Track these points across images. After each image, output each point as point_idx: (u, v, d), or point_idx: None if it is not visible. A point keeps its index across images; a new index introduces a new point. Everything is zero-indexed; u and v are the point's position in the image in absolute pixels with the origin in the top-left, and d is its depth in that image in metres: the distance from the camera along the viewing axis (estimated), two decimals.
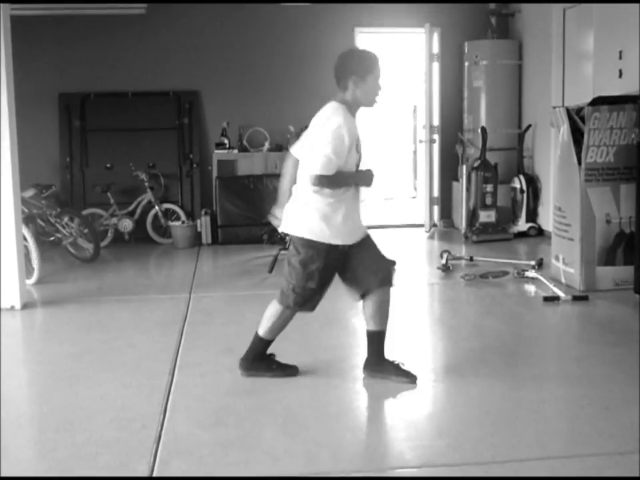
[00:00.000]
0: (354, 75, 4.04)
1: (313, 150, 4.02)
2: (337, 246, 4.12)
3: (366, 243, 4.26)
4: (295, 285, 4.18)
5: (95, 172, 9.44)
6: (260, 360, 4.43)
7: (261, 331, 4.38)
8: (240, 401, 4.02)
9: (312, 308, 4.35)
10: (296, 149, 4.30)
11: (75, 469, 3.27)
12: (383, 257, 4.31)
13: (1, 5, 5.85)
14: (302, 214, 4.14)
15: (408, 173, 13.80)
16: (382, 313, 4.31)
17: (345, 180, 4.05)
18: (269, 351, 4.47)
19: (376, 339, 4.37)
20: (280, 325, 4.35)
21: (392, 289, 4.31)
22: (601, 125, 6.17)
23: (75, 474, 3.22)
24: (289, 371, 4.44)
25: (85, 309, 6.17)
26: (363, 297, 4.31)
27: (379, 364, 4.37)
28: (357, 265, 4.22)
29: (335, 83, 4.15)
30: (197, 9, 9.45)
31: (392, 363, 4.39)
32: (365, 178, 4.17)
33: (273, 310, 4.34)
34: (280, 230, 4.33)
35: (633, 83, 6.71)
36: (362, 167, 4.23)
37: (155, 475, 3.20)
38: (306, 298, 4.23)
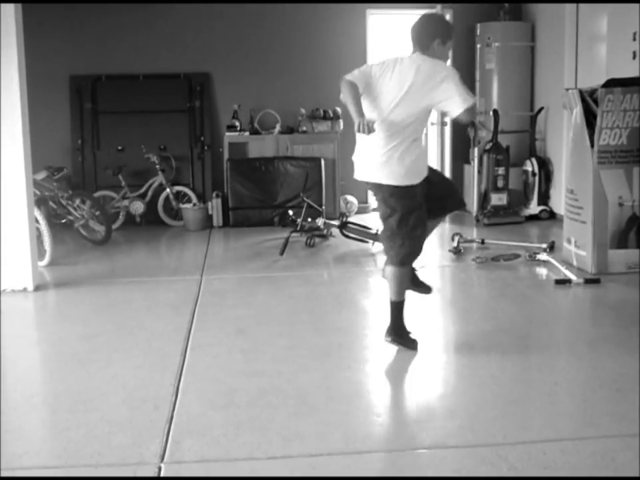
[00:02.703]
0: (439, 38, 4.33)
1: (453, 93, 4.22)
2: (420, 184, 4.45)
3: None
4: (404, 240, 4.44)
5: (106, 154, 9.45)
6: (403, 328, 4.55)
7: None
8: (252, 382, 4.03)
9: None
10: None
11: (87, 448, 3.29)
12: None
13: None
14: (393, 162, 4.37)
15: None
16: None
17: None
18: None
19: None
20: None
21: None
22: (614, 107, 6.14)
23: (88, 453, 3.24)
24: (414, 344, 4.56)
25: (96, 291, 6.20)
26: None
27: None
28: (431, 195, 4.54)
29: (413, 42, 4.38)
30: None
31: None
32: None
33: (392, 274, 4.54)
34: None
35: None
36: None
37: (167, 454, 3.21)
38: (417, 248, 4.57)
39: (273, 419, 3.57)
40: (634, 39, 6.95)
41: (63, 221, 8.20)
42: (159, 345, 4.72)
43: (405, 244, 4.36)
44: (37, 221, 6.64)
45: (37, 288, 6.20)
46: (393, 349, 4.52)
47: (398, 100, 4.22)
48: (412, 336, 4.55)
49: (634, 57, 6.95)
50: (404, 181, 4.27)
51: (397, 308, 4.51)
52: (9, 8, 5.80)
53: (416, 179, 4.32)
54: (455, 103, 4.20)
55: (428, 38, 4.32)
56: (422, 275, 4.85)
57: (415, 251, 4.43)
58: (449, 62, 4.48)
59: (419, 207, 4.35)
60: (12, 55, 5.87)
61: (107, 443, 3.33)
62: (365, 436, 3.40)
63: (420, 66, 4.23)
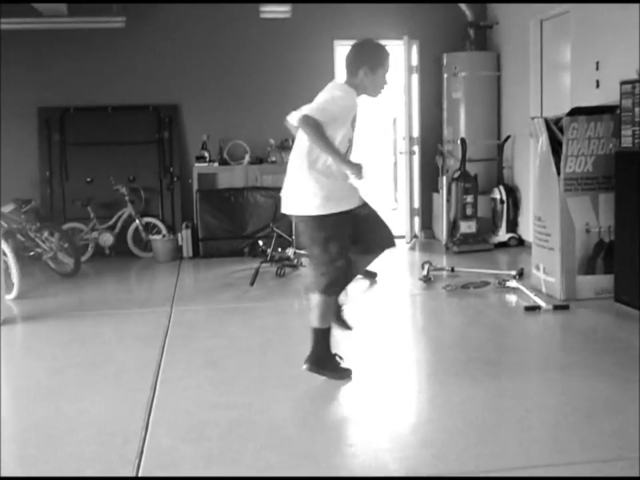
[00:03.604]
0: (366, 65, 4.26)
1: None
2: (346, 212, 4.31)
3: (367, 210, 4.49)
4: (325, 270, 4.30)
5: (74, 186, 9.40)
6: (327, 357, 4.47)
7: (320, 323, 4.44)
8: (222, 415, 4.00)
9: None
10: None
11: None
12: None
13: None
14: (304, 190, 4.28)
15: (388, 184, 13.84)
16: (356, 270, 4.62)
17: (331, 146, 4.09)
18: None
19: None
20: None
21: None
22: (579, 135, 6.22)
23: None
24: (345, 373, 4.52)
25: (65, 324, 6.13)
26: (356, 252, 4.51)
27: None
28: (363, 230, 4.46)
29: (346, 68, 4.35)
30: (175, 23, 9.48)
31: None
32: (355, 167, 4.18)
33: (317, 302, 4.42)
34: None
35: (609, 93, 6.76)
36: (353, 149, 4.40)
37: None
38: (339, 276, 4.37)
39: (244, 451, 3.54)
40: (597, 68, 7.07)
41: (31, 253, 8.13)
42: (128, 379, 4.67)
43: (327, 273, 4.30)
44: (4, 254, 6.58)
45: (5, 322, 6.12)
46: (365, 379, 4.52)
47: None
48: (342, 365, 4.53)
49: (597, 86, 7.06)
50: (318, 210, 4.22)
51: (320, 335, 4.43)
52: None
53: (333, 208, 4.24)
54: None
55: (354, 67, 4.29)
56: (347, 313, 4.80)
57: (336, 281, 4.34)
58: (384, 88, 4.38)
59: (339, 237, 4.28)
60: None
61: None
62: (337, 466, 3.38)
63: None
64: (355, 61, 4.29)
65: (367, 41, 4.42)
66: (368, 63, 4.25)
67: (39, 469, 3.41)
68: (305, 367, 4.44)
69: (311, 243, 4.34)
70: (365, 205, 4.46)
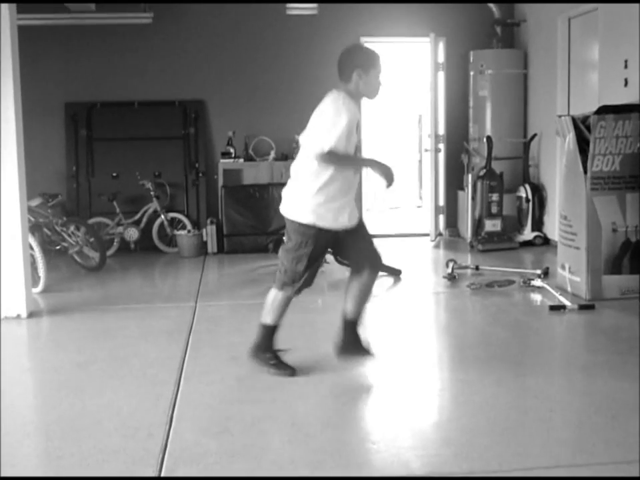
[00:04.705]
0: (358, 68, 4.31)
1: (320, 131, 4.20)
2: (328, 230, 4.35)
3: (360, 231, 4.54)
4: (287, 267, 4.44)
5: (100, 181, 9.47)
6: (265, 350, 4.58)
7: (266, 319, 4.57)
8: (246, 410, 4.02)
9: (307, 285, 4.53)
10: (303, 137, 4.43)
11: (80, 476, 3.27)
12: (374, 245, 4.61)
13: (4, 10, 5.86)
14: (298, 198, 4.38)
15: (413, 182, 13.83)
16: (362, 298, 4.56)
17: (358, 162, 4.47)
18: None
19: (350, 327, 4.64)
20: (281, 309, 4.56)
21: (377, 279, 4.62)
22: (607, 133, 6.17)
23: None
24: (287, 370, 4.56)
25: (90, 318, 6.18)
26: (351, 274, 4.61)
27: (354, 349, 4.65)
28: (350, 248, 4.54)
29: (338, 75, 4.38)
30: (202, 19, 9.52)
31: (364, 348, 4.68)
32: (385, 170, 4.32)
33: (271, 296, 4.55)
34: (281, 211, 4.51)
35: (638, 91, 6.71)
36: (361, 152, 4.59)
37: None
38: (295, 278, 4.43)
39: (267, 446, 3.55)
40: (625, 67, 7.01)
41: (57, 247, 8.19)
42: (153, 373, 4.70)
43: (288, 271, 4.44)
44: (31, 248, 6.63)
45: (31, 315, 6.18)
46: (388, 377, 4.52)
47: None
48: (284, 361, 4.61)
49: (625, 84, 7.00)
50: (301, 218, 4.33)
51: (266, 332, 4.57)
52: (5, 34, 5.84)
53: (318, 221, 4.31)
54: (315, 143, 4.19)
55: (348, 70, 4.32)
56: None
57: (292, 281, 4.44)
58: (380, 89, 4.41)
59: (312, 246, 4.36)
60: (7, 81, 5.89)
61: (101, 472, 3.31)
62: (360, 463, 3.38)
63: (321, 105, 4.32)
64: (348, 65, 4.33)
65: (355, 45, 4.62)
66: (360, 65, 4.30)
67: (64, 460, 3.44)
68: (251, 355, 4.63)
69: (287, 240, 4.47)
70: (360, 226, 4.54)
